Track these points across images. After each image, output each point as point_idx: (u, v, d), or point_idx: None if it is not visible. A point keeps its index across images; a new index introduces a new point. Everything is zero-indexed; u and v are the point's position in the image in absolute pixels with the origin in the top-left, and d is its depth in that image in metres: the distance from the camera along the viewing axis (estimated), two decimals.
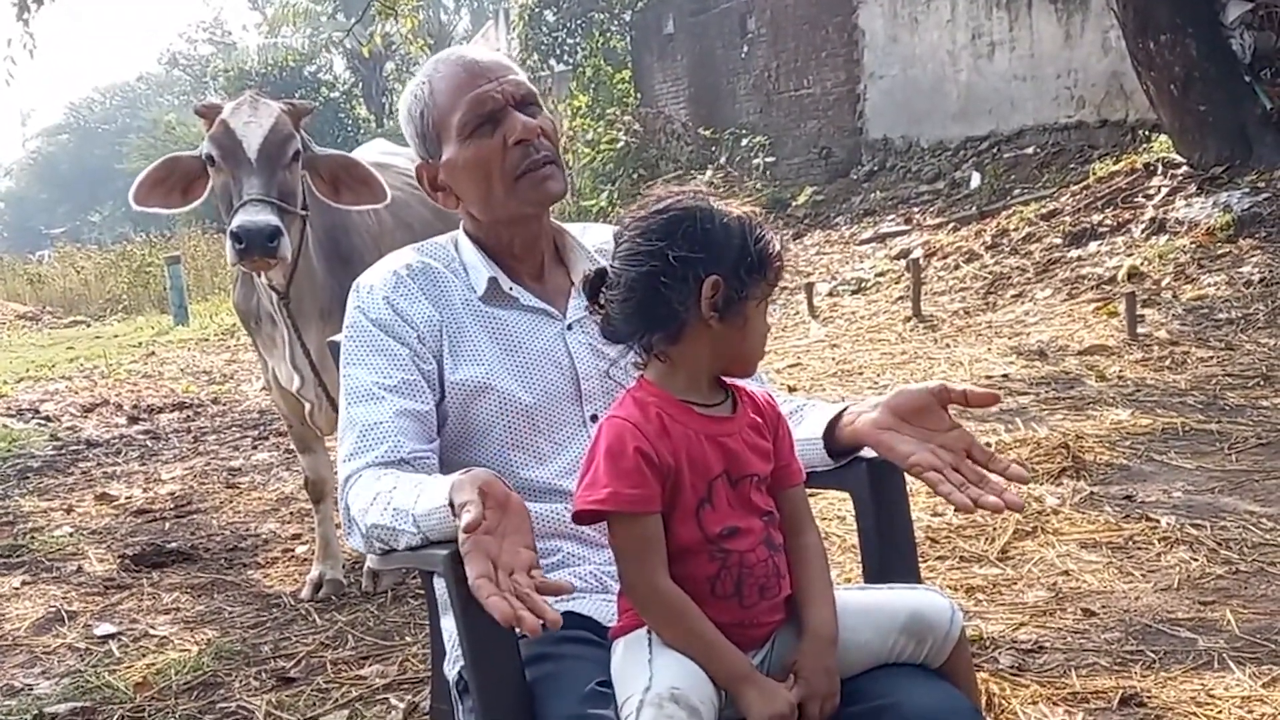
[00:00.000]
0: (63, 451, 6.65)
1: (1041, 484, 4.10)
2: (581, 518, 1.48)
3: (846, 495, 1.86)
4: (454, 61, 1.84)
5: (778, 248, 1.51)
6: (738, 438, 1.53)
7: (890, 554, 1.79)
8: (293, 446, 4.41)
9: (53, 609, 3.83)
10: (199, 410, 7.87)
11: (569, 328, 1.81)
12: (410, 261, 1.85)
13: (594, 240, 1.92)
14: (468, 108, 1.79)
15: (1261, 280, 6.95)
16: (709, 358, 1.52)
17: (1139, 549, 3.48)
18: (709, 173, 15.32)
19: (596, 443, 1.48)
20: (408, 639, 3.35)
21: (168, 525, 4.87)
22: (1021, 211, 9.76)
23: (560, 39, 19.49)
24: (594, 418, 1.75)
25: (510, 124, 1.78)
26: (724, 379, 1.57)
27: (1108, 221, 8.74)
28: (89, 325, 17.15)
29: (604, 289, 1.53)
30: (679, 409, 1.50)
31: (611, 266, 1.52)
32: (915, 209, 11.86)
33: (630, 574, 1.47)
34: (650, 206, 1.52)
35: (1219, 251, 7.59)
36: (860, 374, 6.71)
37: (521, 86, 1.83)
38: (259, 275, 3.49)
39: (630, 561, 1.47)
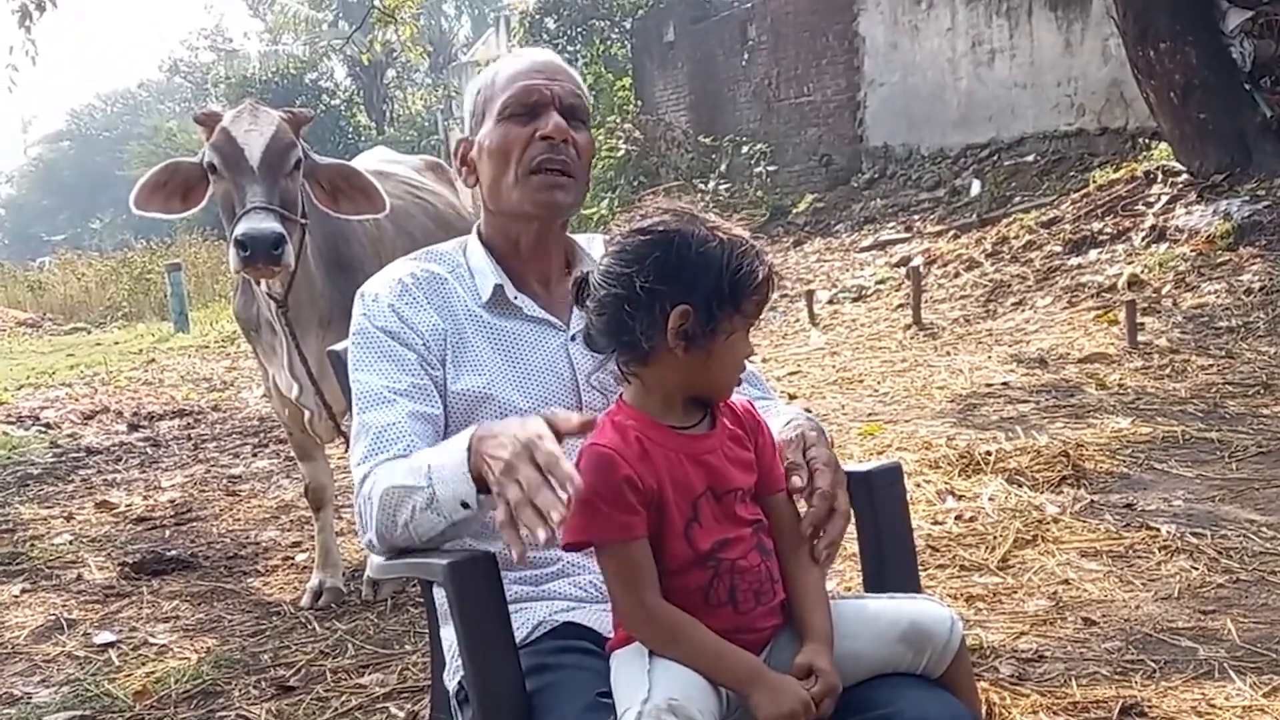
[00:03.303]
0: (63, 459, 6.65)
1: (1042, 492, 4.10)
2: (570, 546, 1.48)
3: None
4: (525, 55, 1.90)
5: (760, 278, 1.48)
6: (718, 453, 1.52)
7: (890, 563, 1.79)
8: (293, 454, 4.40)
9: (52, 617, 3.82)
10: (199, 417, 7.87)
11: (573, 339, 1.80)
12: (415, 270, 1.85)
13: (599, 252, 1.93)
14: (515, 93, 1.82)
15: (1262, 288, 6.95)
16: (678, 383, 1.51)
17: (1139, 558, 3.48)
18: (710, 181, 15.34)
19: (578, 470, 1.48)
20: (408, 648, 3.34)
21: (168, 533, 4.86)
22: (1022, 219, 9.77)
23: (561, 46, 19.54)
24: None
25: (545, 119, 1.80)
26: None
27: (1108, 229, 8.74)
28: (89, 332, 17.13)
29: (587, 298, 1.53)
30: (658, 431, 1.50)
31: (592, 277, 1.52)
32: (915, 216, 11.87)
33: (621, 599, 1.48)
34: (635, 222, 1.51)
35: (1219, 259, 7.59)
36: (860, 381, 6.71)
37: (575, 96, 1.85)
38: (259, 283, 3.50)
39: (620, 587, 1.47)
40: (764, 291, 1.50)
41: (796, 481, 1.59)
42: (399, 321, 1.78)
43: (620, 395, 1.56)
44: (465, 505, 1.56)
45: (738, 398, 1.62)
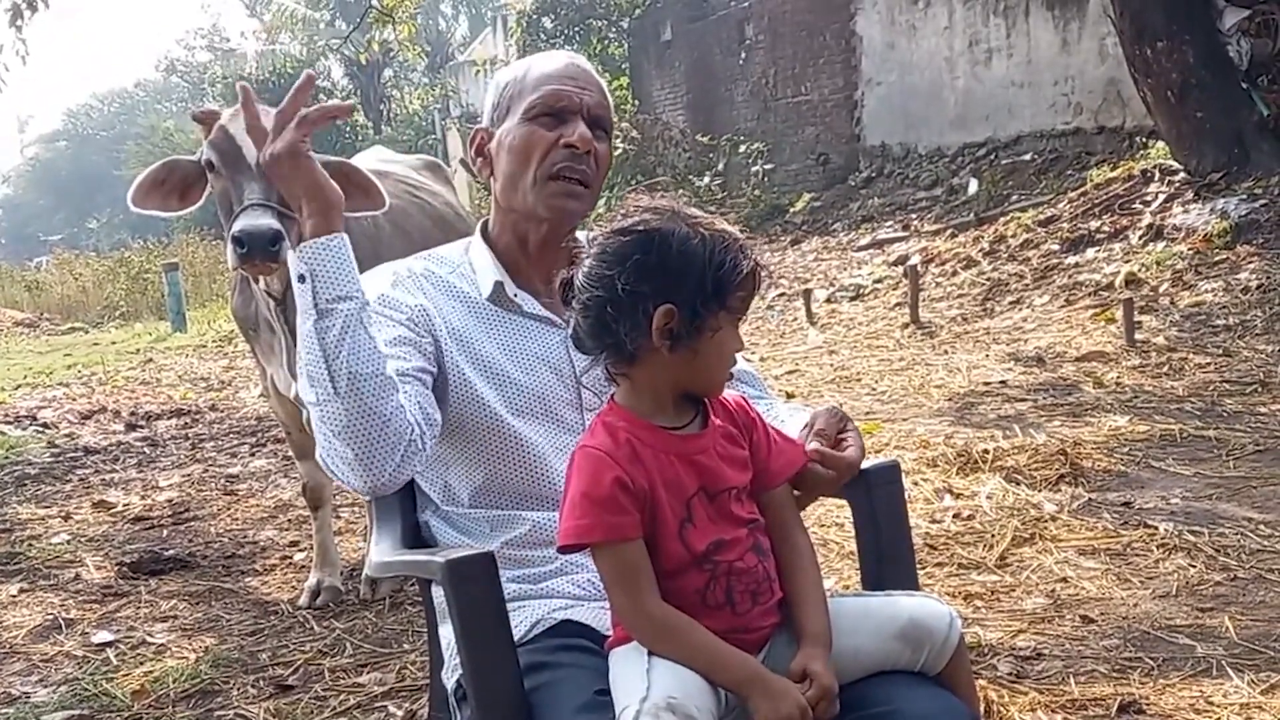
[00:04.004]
0: (60, 458, 6.64)
1: (1039, 491, 4.10)
2: (565, 549, 1.49)
3: (844, 502, 1.86)
4: (559, 57, 1.90)
5: (745, 272, 1.47)
6: (711, 452, 1.52)
7: (888, 561, 1.79)
8: (291, 453, 4.40)
9: (50, 617, 3.82)
10: (197, 417, 7.86)
11: None
12: (411, 265, 1.87)
13: None
14: (544, 95, 1.82)
15: (1259, 287, 6.96)
16: (667, 381, 1.51)
17: (1137, 556, 3.48)
18: (706, 179, 15.35)
19: (571, 473, 1.48)
20: (406, 647, 3.34)
21: (165, 532, 4.86)
22: (1019, 218, 9.77)
23: (558, 45, 19.54)
24: None
25: (571, 127, 1.81)
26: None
27: (1105, 228, 8.75)
28: (87, 332, 17.11)
29: (573, 298, 1.52)
30: (648, 431, 1.50)
31: (576, 278, 1.52)
32: (913, 215, 11.88)
33: (619, 601, 1.47)
34: (616, 222, 1.51)
35: (1216, 258, 7.60)
36: (858, 380, 6.71)
37: (602, 108, 1.86)
38: (257, 281, 3.50)
39: (618, 589, 1.47)
40: (749, 286, 1.49)
41: (816, 445, 1.63)
42: (383, 303, 1.77)
43: (611, 396, 1.56)
44: (301, 279, 1.63)
45: (731, 394, 1.61)
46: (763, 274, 1.50)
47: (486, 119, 1.91)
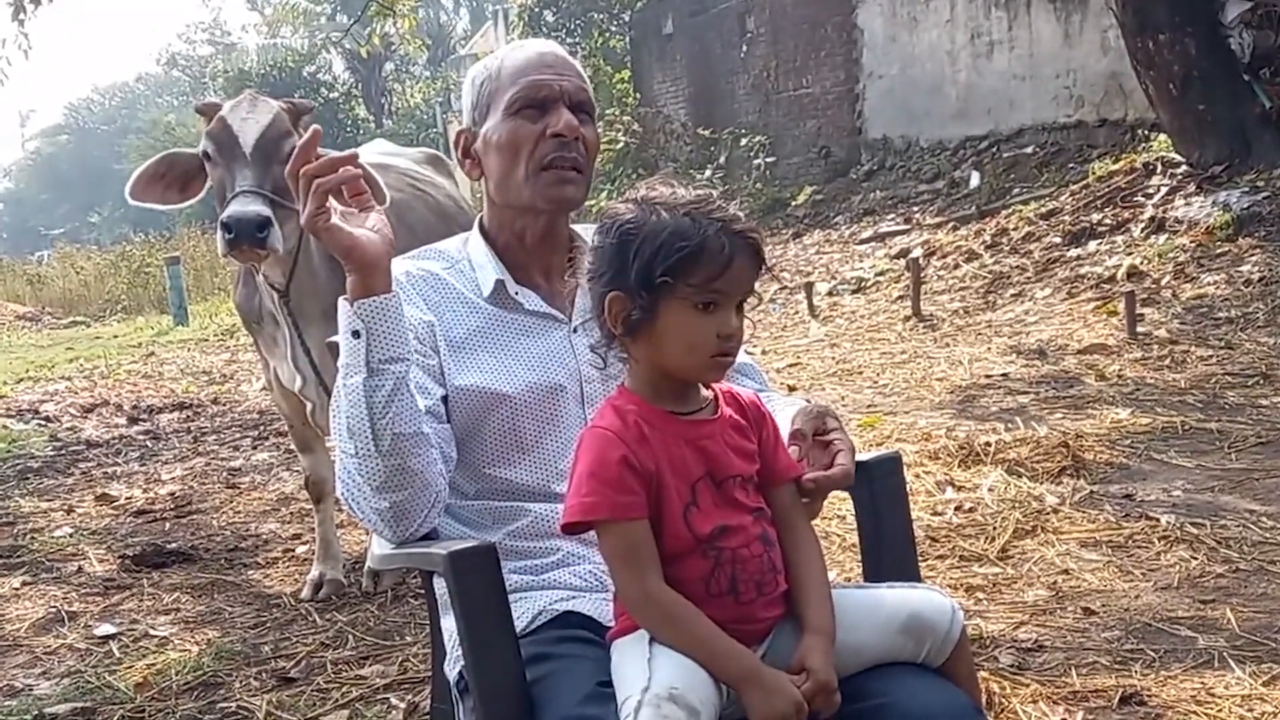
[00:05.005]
0: (62, 452, 6.65)
1: (1041, 483, 4.10)
2: (570, 528, 1.48)
3: (846, 495, 1.86)
4: (530, 47, 1.89)
5: (682, 255, 1.43)
6: (718, 439, 1.52)
7: (890, 553, 1.79)
8: (293, 446, 4.41)
9: (53, 609, 3.82)
10: (199, 410, 7.87)
11: (575, 330, 1.80)
12: (410, 268, 1.85)
13: None
14: (523, 88, 1.81)
15: (1261, 279, 6.95)
16: (649, 366, 1.51)
17: (1139, 548, 3.48)
18: (708, 173, 15.33)
19: (579, 453, 1.49)
20: (408, 639, 3.35)
21: (168, 526, 4.87)
22: (1021, 211, 9.76)
23: (559, 39, 19.51)
24: None
25: (555, 116, 1.80)
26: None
27: (1107, 221, 8.74)
28: (88, 326, 17.15)
29: None
30: (656, 415, 1.50)
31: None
32: (915, 208, 11.86)
33: (623, 582, 1.47)
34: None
35: (1218, 250, 7.60)
36: (860, 373, 6.71)
37: (582, 92, 1.85)
38: (256, 272, 3.50)
39: (622, 569, 1.47)
40: (693, 268, 1.44)
41: (796, 451, 1.60)
42: None
43: (621, 382, 1.56)
44: (355, 334, 1.60)
45: (745, 391, 1.61)
46: (717, 255, 1.45)
47: (467, 119, 1.89)
